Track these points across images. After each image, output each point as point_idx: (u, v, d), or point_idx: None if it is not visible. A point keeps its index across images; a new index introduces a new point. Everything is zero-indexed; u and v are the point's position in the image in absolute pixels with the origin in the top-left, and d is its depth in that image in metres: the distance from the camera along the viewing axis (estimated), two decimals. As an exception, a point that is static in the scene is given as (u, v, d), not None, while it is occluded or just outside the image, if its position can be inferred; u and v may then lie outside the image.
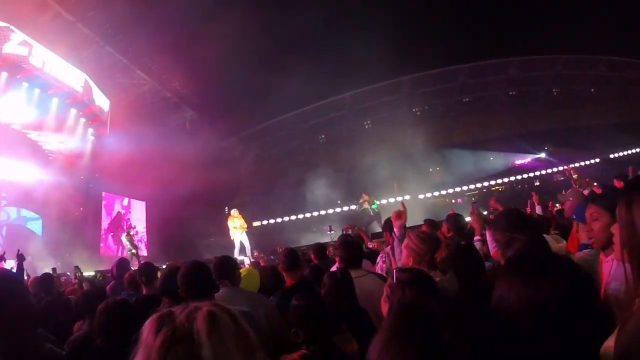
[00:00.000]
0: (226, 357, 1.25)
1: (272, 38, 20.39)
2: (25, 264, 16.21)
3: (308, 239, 22.31)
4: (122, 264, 6.63)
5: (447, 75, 27.88)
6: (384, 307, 2.53)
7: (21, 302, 2.11)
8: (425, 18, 22.80)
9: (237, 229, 18.67)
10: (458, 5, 24.54)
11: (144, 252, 21.65)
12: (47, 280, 6.55)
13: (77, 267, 8.66)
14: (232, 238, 18.79)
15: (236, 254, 17.72)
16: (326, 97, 26.95)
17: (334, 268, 5.03)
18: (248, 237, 18.40)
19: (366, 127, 29.35)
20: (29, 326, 2.16)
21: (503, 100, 30.68)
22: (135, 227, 20.09)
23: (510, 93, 30.93)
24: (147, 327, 1.28)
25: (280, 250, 8.50)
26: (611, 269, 2.43)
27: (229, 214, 18.96)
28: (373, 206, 19.83)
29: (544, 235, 3.65)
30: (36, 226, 21.26)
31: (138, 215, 25.55)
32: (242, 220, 18.81)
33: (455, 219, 6.06)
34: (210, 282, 3.64)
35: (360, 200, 20.19)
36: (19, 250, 6.49)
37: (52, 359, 2.40)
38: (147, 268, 5.42)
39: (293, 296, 3.68)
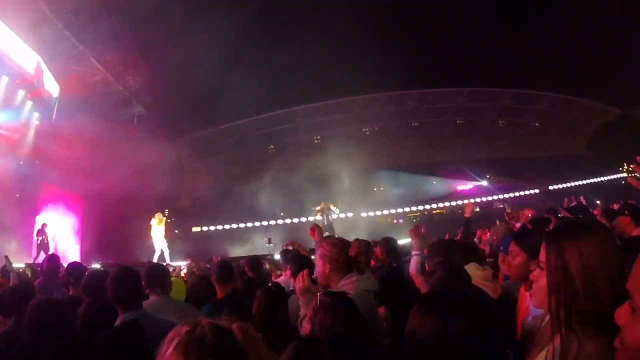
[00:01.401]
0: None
1: (230, 44, 20.26)
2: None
3: (246, 249, 22.17)
4: (53, 260, 6.43)
5: (398, 99, 28.38)
6: (307, 328, 2.55)
7: None
8: (382, 42, 23.21)
9: (155, 233, 18.94)
10: (415, 32, 25.15)
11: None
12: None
13: (6, 257, 8.24)
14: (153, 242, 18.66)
15: (155, 259, 17.60)
16: (278, 108, 26.96)
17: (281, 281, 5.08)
18: (168, 243, 18.35)
19: (316, 141, 29.44)
20: None
21: (450, 127, 31.52)
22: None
23: (458, 121, 31.75)
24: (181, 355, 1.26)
25: (216, 260, 8.46)
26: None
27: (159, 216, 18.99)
28: (333, 215, 19.89)
29: (474, 263, 3.80)
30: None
31: (72, 209, 24.71)
32: (163, 225, 18.86)
33: (388, 242, 6.21)
34: (139, 290, 3.61)
35: (318, 208, 20.23)
36: None
37: None
38: (76, 268, 5.29)
39: (223, 308, 3.70)
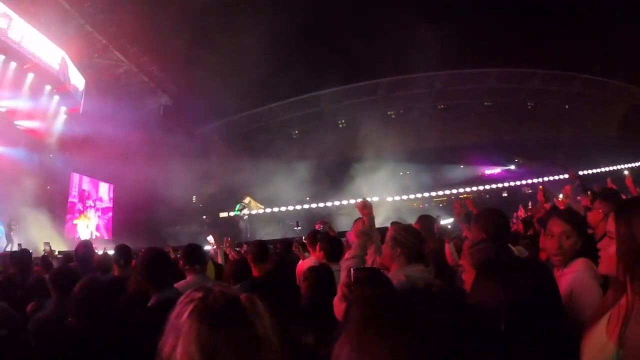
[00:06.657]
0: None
1: (258, 32, 20.10)
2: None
3: (271, 233, 22.24)
4: (88, 246, 6.48)
5: (423, 81, 27.81)
6: (339, 308, 2.50)
7: None
8: (407, 25, 22.80)
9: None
10: (440, 12, 24.75)
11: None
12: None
13: (47, 243, 8.36)
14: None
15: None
16: (302, 92, 26.85)
17: (309, 263, 5.06)
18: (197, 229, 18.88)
19: (340, 126, 29.23)
20: None
21: (478, 109, 30.71)
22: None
23: (486, 103, 30.99)
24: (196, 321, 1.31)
25: (227, 242, 8.53)
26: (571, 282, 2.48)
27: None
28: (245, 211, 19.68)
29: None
30: None
31: (104, 197, 25.30)
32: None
33: (427, 221, 5.92)
34: (169, 269, 3.54)
35: (245, 201, 20.17)
36: None
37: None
38: (125, 250, 5.32)
39: (259, 286, 3.71)
